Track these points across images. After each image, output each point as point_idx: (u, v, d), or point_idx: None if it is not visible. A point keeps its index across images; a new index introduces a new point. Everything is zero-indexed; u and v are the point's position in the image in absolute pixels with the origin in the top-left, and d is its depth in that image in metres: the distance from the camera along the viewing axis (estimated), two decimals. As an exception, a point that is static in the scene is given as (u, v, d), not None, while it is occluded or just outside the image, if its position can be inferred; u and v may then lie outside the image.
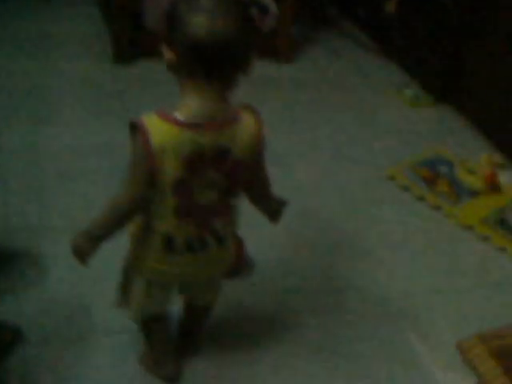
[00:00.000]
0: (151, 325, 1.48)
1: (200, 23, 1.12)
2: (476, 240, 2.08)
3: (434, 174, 2.35)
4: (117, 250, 1.37)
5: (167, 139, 1.18)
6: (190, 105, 1.20)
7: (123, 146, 2.15)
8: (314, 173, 2.33)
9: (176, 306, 1.52)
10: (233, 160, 1.24)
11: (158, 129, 1.18)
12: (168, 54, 1.20)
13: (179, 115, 1.19)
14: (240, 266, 1.74)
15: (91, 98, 2.60)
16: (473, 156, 2.43)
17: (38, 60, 2.82)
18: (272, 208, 1.44)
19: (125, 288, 1.43)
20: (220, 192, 1.28)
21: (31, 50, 2.88)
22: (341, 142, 2.52)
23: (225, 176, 1.26)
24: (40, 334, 1.57)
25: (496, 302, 1.84)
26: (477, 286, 1.91)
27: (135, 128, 1.21)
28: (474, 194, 2.27)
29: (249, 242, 1.79)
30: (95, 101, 2.59)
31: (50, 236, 1.87)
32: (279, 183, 2.03)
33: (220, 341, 1.62)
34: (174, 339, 1.56)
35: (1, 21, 3.08)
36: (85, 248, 1.27)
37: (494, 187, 2.30)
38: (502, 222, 2.16)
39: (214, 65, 1.16)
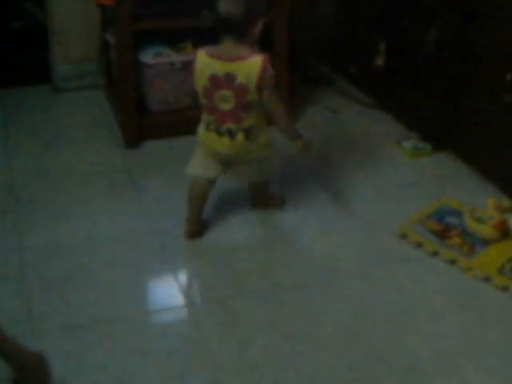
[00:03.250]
0: (193, 184, 2.26)
1: (222, 7, 2.05)
2: (496, 291, 2.08)
3: (443, 227, 2.36)
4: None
5: (202, 65, 2.12)
6: (218, 47, 2.11)
7: (141, 234, 2.17)
8: (325, 237, 2.35)
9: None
10: (238, 83, 2.07)
11: (199, 59, 2.13)
12: None
13: (214, 52, 2.11)
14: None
15: (104, 186, 2.63)
16: (479, 202, 2.44)
17: (50, 151, 2.86)
18: (286, 132, 2.25)
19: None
20: (234, 105, 2.10)
21: (43, 142, 2.92)
22: (347, 202, 2.54)
23: (234, 93, 2.08)
24: None
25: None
26: (504, 339, 1.91)
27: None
28: (486, 243, 2.28)
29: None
30: (109, 188, 2.61)
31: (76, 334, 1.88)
32: (291, 249, 2.25)
33: None
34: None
35: (13, 112, 3.16)
36: (194, 97, 2.21)
37: (505, 233, 2.32)
38: (518, 269, 2.17)
39: (228, 27, 2.07)
